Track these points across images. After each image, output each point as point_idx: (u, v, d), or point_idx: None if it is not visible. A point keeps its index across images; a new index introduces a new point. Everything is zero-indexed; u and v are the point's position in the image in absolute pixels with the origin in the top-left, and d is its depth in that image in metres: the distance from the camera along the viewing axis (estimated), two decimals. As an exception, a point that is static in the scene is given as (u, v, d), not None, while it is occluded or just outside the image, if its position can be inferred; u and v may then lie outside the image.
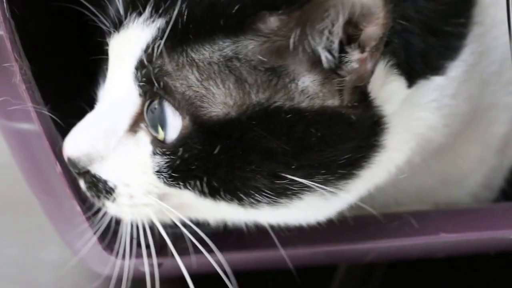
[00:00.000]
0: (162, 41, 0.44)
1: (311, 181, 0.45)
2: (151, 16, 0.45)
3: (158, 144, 0.45)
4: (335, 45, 0.43)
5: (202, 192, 0.46)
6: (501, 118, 0.57)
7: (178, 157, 0.45)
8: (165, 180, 0.46)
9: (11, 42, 0.47)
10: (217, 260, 0.50)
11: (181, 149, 0.44)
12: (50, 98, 0.51)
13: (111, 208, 0.49)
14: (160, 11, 0.44)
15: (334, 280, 0.59)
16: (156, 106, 0.45)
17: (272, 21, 0.43)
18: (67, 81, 0.59)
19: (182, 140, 0.44)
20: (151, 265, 0.53)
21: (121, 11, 0.46)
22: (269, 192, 0.46)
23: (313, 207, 0.48)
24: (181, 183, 0.46)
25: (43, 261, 0.67)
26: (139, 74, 0.45)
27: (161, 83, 0.44)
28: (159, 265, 0.53)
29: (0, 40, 0.48)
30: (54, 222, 0.57)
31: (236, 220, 0.51)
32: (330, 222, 0.50)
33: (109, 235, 0.54)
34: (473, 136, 0.56)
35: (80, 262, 0.58)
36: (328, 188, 0.46)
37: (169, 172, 0.45)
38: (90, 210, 0.53)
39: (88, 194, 0.49)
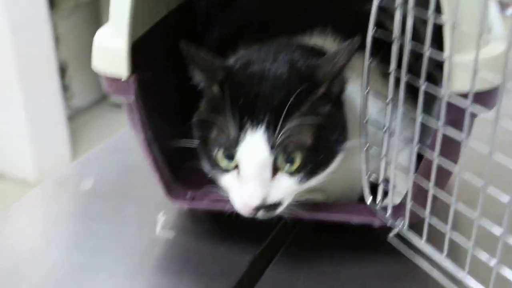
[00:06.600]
0: (269, 132, 0.68)
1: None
2: (258, 124, 0.69)
3: (292, 172, 0.70)
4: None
5: (316, 173, 0.72)
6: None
7: (307, 168, 0.70)
8: (305, 180, 0.71)
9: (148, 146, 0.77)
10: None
11: (308, 164, 0.70)
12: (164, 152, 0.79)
13: (279, 210, 0.72)
14: (259, 120, 0.69)
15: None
16: (285, 157, 0.69)
17: (320, 91, 0.70)
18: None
19: (306, 160, 0.70)
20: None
21: (238, 131, 0.69)
22: (337, 153, 0.73)
23: (339, 159, 0.74)
24: (311, 176, 0.72)
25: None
26: (274, 151, 0.69)
27: (288, 148, 0.69)
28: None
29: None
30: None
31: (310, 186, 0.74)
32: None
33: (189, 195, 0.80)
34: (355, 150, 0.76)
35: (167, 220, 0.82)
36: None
37: (306, 176, 0.71)
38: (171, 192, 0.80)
39: (263, 215, 0.72)
